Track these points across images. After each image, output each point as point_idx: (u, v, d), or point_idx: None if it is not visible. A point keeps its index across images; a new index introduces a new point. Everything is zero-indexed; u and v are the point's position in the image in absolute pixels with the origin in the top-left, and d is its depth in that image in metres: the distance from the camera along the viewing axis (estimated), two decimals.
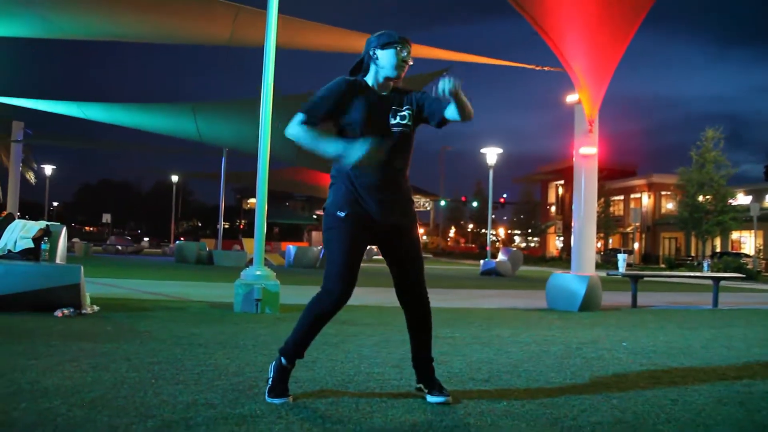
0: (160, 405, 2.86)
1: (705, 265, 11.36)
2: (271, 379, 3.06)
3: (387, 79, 3.20)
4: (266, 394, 3.03)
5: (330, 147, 2.99)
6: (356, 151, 2.90)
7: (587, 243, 15.14)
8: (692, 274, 12.98)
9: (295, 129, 3.07)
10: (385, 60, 3.16)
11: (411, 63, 3.22)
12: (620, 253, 14.32)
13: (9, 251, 6.63)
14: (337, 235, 3.07)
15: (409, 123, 3.19)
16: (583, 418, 2.92)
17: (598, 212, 16.38)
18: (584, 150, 15.02)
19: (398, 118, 3.17)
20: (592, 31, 13.10)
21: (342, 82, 3.18)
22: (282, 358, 3.06)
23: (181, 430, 2.50)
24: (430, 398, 3.13)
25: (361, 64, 3.26)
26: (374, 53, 3.18)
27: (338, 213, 3.09)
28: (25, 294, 6.02)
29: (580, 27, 13.13)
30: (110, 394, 3.02)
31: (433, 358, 3.28)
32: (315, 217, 66.34)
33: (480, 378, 3.76)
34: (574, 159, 15.51)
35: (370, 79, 3.22)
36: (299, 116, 3.08)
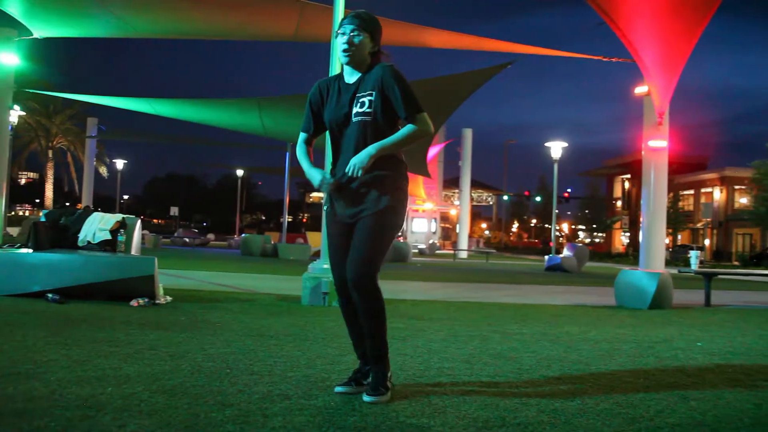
0: (236, 394, 2.93)
1: None
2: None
3: (345, 65, 3.13)
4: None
5: (305, 168, 3.15)
6: (313, 180, 3.09)
7: (656, 239, 14.77)
8: None
9: (297, 148, 3.23)
10: (337, 49, 3.12)
11: (354, 40, 3.03)
12: (692, 249, 13.86)
13: (88, 242, 6.90)
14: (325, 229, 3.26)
15: (369, 110, 2.99)
16: (660, 419, 2.85)
17: (666, 207, 15.89)
18: (654, 143, 14.64)
19: (358, 105, 3.02)
20: (662, 20, 12.70)
21: (314, 87, 3.22)
22: None
23: (258, 420, 2.55)
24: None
25: None
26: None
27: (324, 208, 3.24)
28: (103, 284, 6.26)
29: (650, 16, 12.75)
30: (189, 382, 3.11)
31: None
32: None
33: (551, 375, 3.71)
34: (642, 152, 15.13)
35: (344, 67, 3.18)
36: (300, 135, 3.23)
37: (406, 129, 3.00)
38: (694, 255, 9.77)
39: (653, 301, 8.16)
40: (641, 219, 14.81)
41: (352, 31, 3.03)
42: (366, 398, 2.91)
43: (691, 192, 54.34)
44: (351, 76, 3.11)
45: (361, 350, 3.15)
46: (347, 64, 3.08)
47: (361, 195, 3.03)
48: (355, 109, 3.02)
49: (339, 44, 3.07)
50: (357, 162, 2.94)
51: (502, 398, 3.08)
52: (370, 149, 2.96)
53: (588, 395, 3.23)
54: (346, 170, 2.97)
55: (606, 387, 3.45)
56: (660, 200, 14.69)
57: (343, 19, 3.10)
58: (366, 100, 3.00)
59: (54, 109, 42.01)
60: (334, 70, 7.56)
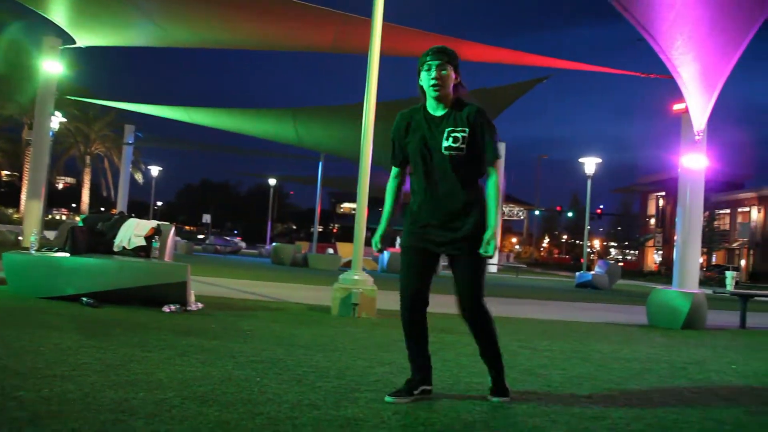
0: (266, 403, 2.95)
1: None
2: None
3: (433, 98, 3.25)
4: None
5: (384, 215, 3.44)
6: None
7: (691, 258, 14.49)
8: None
9: (389, 184, 3.43)
10: (423, 83, 3.25)
11: (442, 73, 3.18)
12: (728, 270, 13.60)
13: (123, 248, 7.01)
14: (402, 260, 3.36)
15: (462, 146, 3.16)
16: None
17: (702, 226, 15.61)
18: (690, 161, 14.40)
19: (451, 140, 3.17)
20: (702, 37, 12.53)
21: (398, 120, 3.34)
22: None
23: (288, 429, 2.57)
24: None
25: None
26: (419, 78, 3.28)
27: (401, 242, 3.37)
28: (137, 289, 6.35)
29: (689, 32, 12.58)
30: (219, 390, 3.14)
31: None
32: None
33: (582, 394, 3.67)
34: (679, 170, 14.89)
35: (428, 99, 3.29)
36: (393, 170, 3.37)
37: (494, 185, 3.19)
38: (729, 275, 9.58)
39: (687, 321, 8.02)
40: (675, 237, 14.57)
41: (439, 66, 3.18)
42: (495, 399, 3.29)
43: (728, 211, 53.33)
44: (437, 110, 3.25)
45: (418, 363, 3.31)
46: (436, 98, 3.22)
47: (450, 231, 3.22)
48: (446, 143, 3.17)
49: (426, 79, 3.21)
50: (494, 242, 3.14)
51: (531, 416, 3.05)
52: (492, 223, 3.15)
53: (619, 415, 3.18)
54: (489, 250, 3.15)
55: (637, 408, 3.40)
56: (695, 219, 14.44)
57: (425, 55, 3.22)
58: (459, 135, 3.16)
59: (93, 115, 42.89)
60: (371, 81, 7.56)
